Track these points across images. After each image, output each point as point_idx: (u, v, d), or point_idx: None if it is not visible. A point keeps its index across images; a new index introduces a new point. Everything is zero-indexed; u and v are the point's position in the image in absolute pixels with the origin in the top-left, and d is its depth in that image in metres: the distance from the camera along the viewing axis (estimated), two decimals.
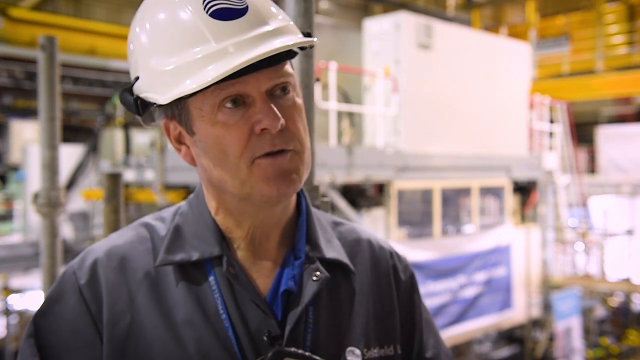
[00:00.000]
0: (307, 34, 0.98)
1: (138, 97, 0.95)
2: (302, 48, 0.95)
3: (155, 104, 0.94)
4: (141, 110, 0.95)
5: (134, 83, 0.97)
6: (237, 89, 0.89)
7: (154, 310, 0.94)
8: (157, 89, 0.92)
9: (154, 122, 1.03)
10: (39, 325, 0.96)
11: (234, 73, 0.86)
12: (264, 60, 0.88)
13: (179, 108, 0.94)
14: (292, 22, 0.95)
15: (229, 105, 0.90)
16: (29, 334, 0.96)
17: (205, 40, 0.88)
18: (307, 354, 0.94)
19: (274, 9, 0.95)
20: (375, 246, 1.12)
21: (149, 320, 0.94)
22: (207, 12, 0.89)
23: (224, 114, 0.90)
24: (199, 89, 0.87)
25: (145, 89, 0.94)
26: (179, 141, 0.99)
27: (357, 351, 1.00)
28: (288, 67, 0.94)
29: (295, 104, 0.95)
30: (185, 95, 0.90)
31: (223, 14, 0.89)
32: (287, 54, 0.92)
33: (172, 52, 0.90)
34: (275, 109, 0.90)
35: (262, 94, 0.91)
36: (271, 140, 0.91)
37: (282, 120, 0.90)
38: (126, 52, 1.01)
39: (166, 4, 0.93)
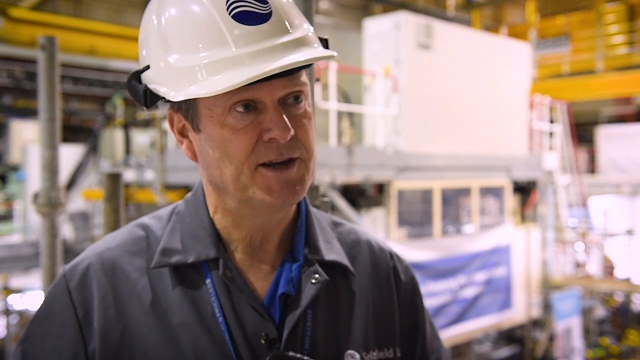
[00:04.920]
0: (325, 42, 0.97)
1: (147, 89, 0.92)
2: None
3: (164, 97, 0.91)
4: (149, 102, 0.93)
5: (142, 71, 0.94)
6: (250, 94, 0.88)
7: (149, 313, 0.93)
8: (169, 84, 0.90)
9: (156, 108, 1.01)
10: (30, 331, 0.96)
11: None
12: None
13: (187, 104, 0.92)
14: (312, 31, 0.94)
15: (239, 109, 0.88)
16: (20, 340, 0.96)
17: (225, 44, 0.86)
18: (305, 358, 0.92)
19: (296, 15, 0.93)
20: (375, 247, 1.11)
21: (144, 323, 0.93)
22: (229, 13, 0.87)
23: (234, 118, 0.89)
24: (212, 94, 0.85)
25: (156, 81, 0.92)
26: (182, 134, 0.97)
27: (356, 355, 0.99)
28: (303, 76, 0.93)
29: (306, 113, 0.93)
30: None
31: (246, 17, 0.87)
32: (302, 65, 0.90)
33: (189, 50, 0.87)
34: (286, 119, 0.89)
35: (275, 102, 0.89)
36: (278, 149, 0.89)
37: (292, 131, 0.89)
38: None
39: None
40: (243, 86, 0.85)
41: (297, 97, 0.92)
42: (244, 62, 0.85)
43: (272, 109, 0.89)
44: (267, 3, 0.89)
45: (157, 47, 0.91)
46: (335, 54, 0.92)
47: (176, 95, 0.89)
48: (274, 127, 0.88)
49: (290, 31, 0.89)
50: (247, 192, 0.91)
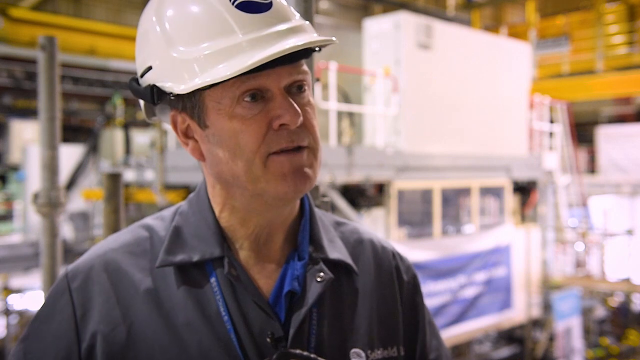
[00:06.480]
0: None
1: (154, 85, 0.92)
2: (319, 48, 0.95)
3: (171, 93, 0.91)
4: (156, 98, 0.93)
5: (144, 72, 0.95)
6: (258, 83, 0.89)
7: (154, 313, 0.93)
8: (176, 78, 0.90)
9: (154, 116, 1.01)
10: (31, 329, 0.96)
11: (256, 67, 0.85)
12: (285, 57, 0.87)
13: (192, 101, 0.92)
14: (308, 22, 0.96)
15: (247, 99, 0.89)
16: (21, 338, 0.96)
17: (232, 32, 0.88)
18: (312, 355, 0.92)
19: (292, 8, 0.97)
20: (377, 247, 1.11)
21: (149, 323, 0.93)
22: (232, 4, 0.89)
23: (243, 108, 0.89)
24: (231, 76, 0.85)
25: (161, 78, 0.92)
26: (186, 135, 0.97)
27: (362, 353, 0.99)
28: (305, 66, 0.95)
29: (310, 102, 0.95)
30: (203, 87, 0.88)
31: (249, 7, 0.90)
32: (303, 53, 0.92)
33: (195, 42, 0.89)
34: (295, 104, 0.90)
35: (282, 89, 0.91)
36: (289, 136, 0.90)
37: (302, 117, 0.91)
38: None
39: None
40: (250, 75, 0.87)
41: (300, 86, 0.93)
42: (250, 48, 0.87)
43: (280, 96, 0.90)
44: None
45: (159, 45, 0.92)
46: (334, 39, 0.94)
47: (184, 88, 0.89)
48: (284, 112, 0.89)
49: (291, 20, 0.92)
50: (260, 182, 0.91)
